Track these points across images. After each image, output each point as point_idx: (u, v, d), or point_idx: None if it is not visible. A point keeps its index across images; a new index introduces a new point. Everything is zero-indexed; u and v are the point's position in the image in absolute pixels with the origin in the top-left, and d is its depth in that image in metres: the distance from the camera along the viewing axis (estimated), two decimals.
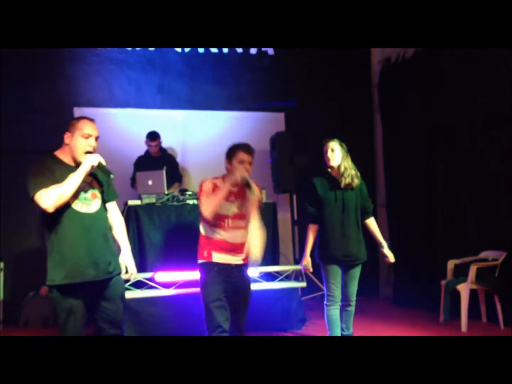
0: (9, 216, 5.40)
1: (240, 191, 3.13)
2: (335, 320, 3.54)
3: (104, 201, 2.84)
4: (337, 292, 3.53)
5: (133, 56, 6.08)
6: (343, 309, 3.61)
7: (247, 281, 3.24)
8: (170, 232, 4.70)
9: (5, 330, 4.98)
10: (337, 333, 3.55)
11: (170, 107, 6.16)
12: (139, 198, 4.82)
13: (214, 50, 6.36)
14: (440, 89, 5.43)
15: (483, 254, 4.82)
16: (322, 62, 6.50)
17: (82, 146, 2.68)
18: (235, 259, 3.14)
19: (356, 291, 3.60)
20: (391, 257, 3.65)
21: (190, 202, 4.81)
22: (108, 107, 5.89)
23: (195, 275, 4.45)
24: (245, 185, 3.04)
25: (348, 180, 3.51)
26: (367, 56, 6.81)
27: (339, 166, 3.53)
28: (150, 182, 4.76)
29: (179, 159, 6.01)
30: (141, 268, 4.55)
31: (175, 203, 4.77)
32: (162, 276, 4.44)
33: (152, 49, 6.12)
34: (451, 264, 4.97)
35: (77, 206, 2.68)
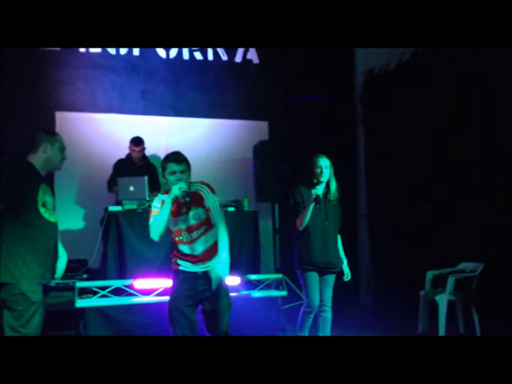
0: None
1: (193, 200, 2.96)
2: (309, 326, 3.75)
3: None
4: (317, 300, 3.69)
5: (117, 61, 6.05)
6: (318, 315, 3.73)
7: (218, 287, 3.02)
8: (150, 238, 4.66)
9: None
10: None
11: (154, 113, 6.14)
12: (117, 203, 4.79)
13: (199, 57, 6.36)
14: (423, 99, 5.50)
15: (461, 266, 4.87)
16: (307, 72, 6.55)
17: (61, 157, 2.97)
18: (200, 267, 3.00)
19: (332, 299, 3.75)
20: (347, 276, 3.85)
21: None
22: (91, 112, 5.86)
23: None
24: (183, 199, 2.85)
25: (333, 195, 3.77)
26: (351, 67, 6.88)
27: (328, 182, 3.75)
28: (131, 188, 4.73)
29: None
30: (120, 275, 4.51)
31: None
32: (141, 283, 4.39)
33: (137, 54, 6.10)
34: (429, 275, 5.02)
35: (46, 214, 2.88)
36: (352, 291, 6.43)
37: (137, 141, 5.44)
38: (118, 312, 4.27)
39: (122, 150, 5.55)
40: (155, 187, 5.57)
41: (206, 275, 2.99)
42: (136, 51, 6.10)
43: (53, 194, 3.00)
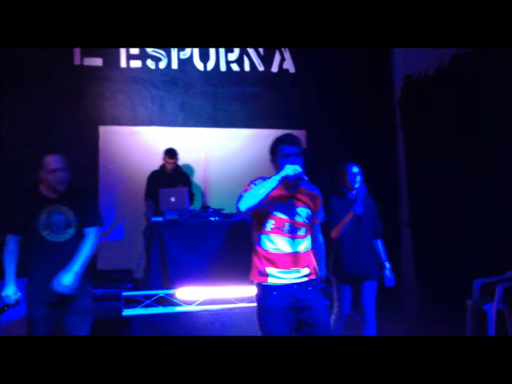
0: None
1: (306, 198, 2.69)
2: (339, 333, 3.72)
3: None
4: (347, 309, 3.67)
5: (156, 75, 6.18)
6: (361, 325, 3.66)
7: (321, 304, 2.66)
8: (192, 248, 4.72)
9: None
10: None
11: (192, 125, 6.23)
12: (155, 213, 4.88)
13: (235, 68, 6.43)
14: (464, 105, 5.38)
15: (510, 273, 4.71)
16: (344, 79, 6.52)
17: (53, 181, 3.01)
18: (296, 276, 2.61)
19: (374, 308, 3.66)
20: (389, 282, 3.81)
21: (212, 219, 4.83)
22: (132, 125, 5.99)
23: (217, 292, 4.46)
24: (297, 180, 2.56)
25: (365, 203, 3.70)
26: (389, 73, 6.81)
27: (359, 189, 3.73)
28: (172, 199, 4.81)
29: (201, 177, 6.06)
30: (164, 284, 4.58)
31: (197, 220, 4.80)
32: (184, 292, 4.44)
33: (175, 67, 6.22)
34: (477, 283, 4.87)
35: (49, 236, 3.00)
36: (396, 299, 6.31)
37: (172, 154, 5.52)
38: (162, 321, 4.32)
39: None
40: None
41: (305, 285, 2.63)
42: (174, 65, 6.22)
43: (73, 210, 3.04)
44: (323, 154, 6.02)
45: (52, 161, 3.04)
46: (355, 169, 3.72)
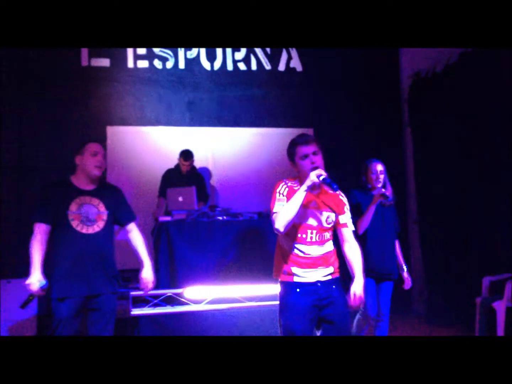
0: None
1: (327, 198, 2.67)
2: (365, 334, 3.66)
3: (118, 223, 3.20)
4: (375, 309, 3.59)
5: (164, 75, 6.20)
6: (375, 325, 3.61)
7: (343, 302, 2.64)
8: (200, 248, 4.73)
9: None
10: None
11: (200, 124, 6.24)
12: (166, 213, 4.89)
13: (242, 67, 6.43)
14: (473, 102, 5.35)
15: None
16: (351, 77, 6.51)
17: (92, 163, 3.05)
18: (321, 274, 2.62)
19: (389, 308, 3.64)
20: (407, 284, 3.79)
21: (220, 218, 4.83)
22: (139, 125, 6.02)
23: (225, 291, 4.46)
24: (324, 183, 2.53)
25: (388, 202, 3.66)
26: (397, 71, 6.78)
27: (384, 187, 3.66)
28: (180, 198, 4.81)
29: (208, 176, 6.07)
30: (172, 283, 4.59)
31: (205, 219, 4.80)
32: (192, 291, 4.45)
33: (182, 67, 6.23)
34: (486, 281, 4.85)
35: (78, 227, 3.00)
36: (405, 297, 6.29)
37: (187, 156, 5.50)
38: (170, 320, 4.33)
39: (171, 161, 5.67)
40: (203, 197, 5.66)
41: (328, 284, 2.62)
42: (181, 64, 6.24)
43: (106, 204, 3.09)
44: (330, 153, 6.01)
45: (94, 145, 3.12)
46: (379, 167, 3.69)
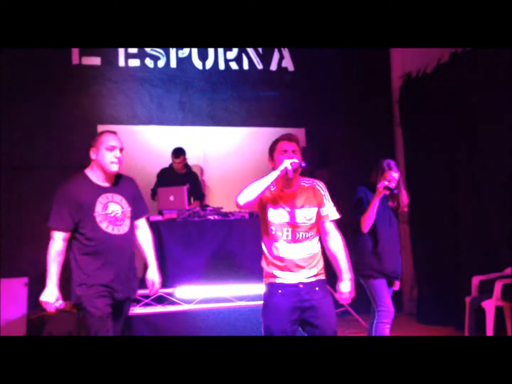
0: (33, 231, 5.49)
1: (304, 193, 2.66)
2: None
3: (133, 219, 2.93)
4: (392, 307, 3.46)
5: (155, 74, 6.18)
6: (374, 324, 3.50)
7: (326, 304, 2.61)
8: (190, 247, 4.73)
9: None
10: None
11: (191, 123, 6.23)
12: (159, 212, 4.87)
13: (234, 66, 6.43)
14: (463, 103, 5.38)
15: (508, 270, 4.72)
16: (342, 77, 6.52)
17: (108, 158, 2.77)
18: (303, 276, 2.59)
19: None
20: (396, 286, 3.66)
21: (211, 217, 4.83)
22: (131, 124, 5.99)
23: (216, 290, 4.46)
24: (296, 171, 2.56)
25: (403, 205, 3.61)
26: (387, 71, 6.80)
27: (396, 189, 3.55)
28: (171, 198, 4.81)
29: (200, 175, 6.06)
30: (162, 283, 4.57)
31: (196, 218, 4.80)
32: (182, 291, 4.45)
33: (174, 66, 6.22)
34: (476, 280, 4.88)
35: (108, 228, 2.76)
36: (396, 297, 6.31)
37: (177, 153, 5.51)
38: (161, 320, 4.33)
39: (163, 160, 5.66)
40: (198, 196, 5.66)
41: (311, 286, 2.58)
42: (173, 63, 6.22)
43: (126, 199, 2.85)
44: (322, 152, 6.03)
45: (112, 138, 2.82)
46: (395, 174, 3.55)
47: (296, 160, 2.54)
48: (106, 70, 5.95)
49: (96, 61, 5.92)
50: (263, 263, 2.68)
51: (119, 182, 2.88)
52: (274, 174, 2.53)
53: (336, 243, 2.66)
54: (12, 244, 5.37)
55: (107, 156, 2.77)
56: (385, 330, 3.37)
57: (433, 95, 5.78)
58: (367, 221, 3.43)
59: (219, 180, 6.08)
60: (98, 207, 2.74)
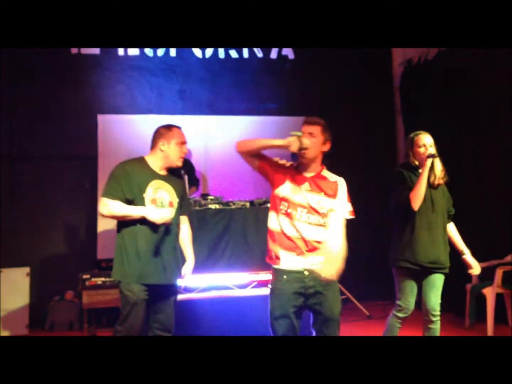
0: (35, 221, 5.51)
1: (321, 182, 2.62)
2: (396, 333, 3.21)
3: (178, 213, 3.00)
4: (413, 305, 3.17)
5: (155, 63, 6.15)
6: (424, 326, 3.18)
7: (331, 292, 2.58)
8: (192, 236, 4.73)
9: (31, 333, 5.07)
10: None
11: (192, 112, 6.20)
12: None
13: (234, 55, 6.40)
14: (464, 90, 5.35)
15: (509, 257, 4.72)
16: (343, 65, 6.48)
17: (179, 153, 2.93)
18: (309, 262, 2.54)
19: (440, 304, 3.19)
20: (476, 268, 3.30)
21: (212, 206, 4.83)
22: (131, 114, 5.97)
23: (217, 279, 4.48)
24: (301, 149, 2.53)
25: (439, 176, 3.23)
26: (389, 58, 6.76)
27: (433, 161, 3.20)
28: None
29: (201, 165, 6.05)
30: None
31: (197, 207, 4.80)
32: (184, 280, 4.45)
33: (173, 55, 6.19)
34: None
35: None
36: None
37: None
38: None
39: None
40: (192, 181, 5.64)
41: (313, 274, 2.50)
42: (173, 52, 6.19)
43: (176, 191, 2.93)
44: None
45: (182, 134, 2.97)
46: (428, 140, 3.26)
47: (307, 141, 2.57)
48: (106, 60, 5.93)
49: (95, 50, 5.89)
50: (270, 244, 2.64)
51: (172, 175, 3.00)
52: (278, 141, 2.58)
53: (336, 242, 2.55)
54: (13, 234, 5.39)
55: (178, 151, 2.92)
56: (395, 323, 3.19)
57: (434, 82, 5.76)
58: (417, 197, 3.10)
59: (219, 169, 6.07)
60: (149, 190, 2.84)
